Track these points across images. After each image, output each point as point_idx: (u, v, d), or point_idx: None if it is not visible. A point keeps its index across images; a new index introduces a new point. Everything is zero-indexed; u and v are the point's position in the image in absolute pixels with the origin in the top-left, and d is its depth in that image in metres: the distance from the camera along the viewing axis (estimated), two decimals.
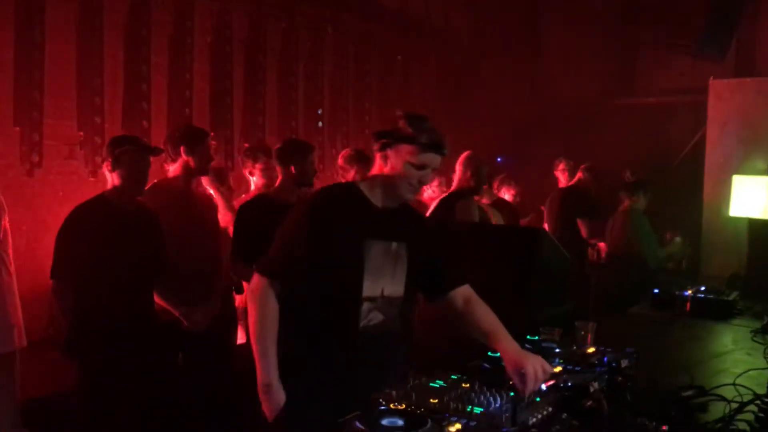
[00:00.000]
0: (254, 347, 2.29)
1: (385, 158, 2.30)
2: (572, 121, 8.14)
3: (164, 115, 5.14)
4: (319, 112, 6.47)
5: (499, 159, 8.74)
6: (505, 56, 8.72)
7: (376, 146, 2.33)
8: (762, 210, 4.79)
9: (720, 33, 6.19)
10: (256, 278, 2.31)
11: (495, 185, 6.55)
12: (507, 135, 8.29)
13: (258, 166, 4.79)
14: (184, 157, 3.69)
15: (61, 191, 4.66)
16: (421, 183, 2.33)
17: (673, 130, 5.44)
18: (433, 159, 2.29)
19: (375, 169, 2.38)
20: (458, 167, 4.69)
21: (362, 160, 4.57)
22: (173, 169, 3.77)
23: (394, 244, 2.37)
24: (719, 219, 5.17)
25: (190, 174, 3.76)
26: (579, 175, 6.12)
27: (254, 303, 2.31)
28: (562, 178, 6.60)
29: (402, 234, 2.41)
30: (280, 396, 2.28)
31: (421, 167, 2.27)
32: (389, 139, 2.28)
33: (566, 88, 8.71)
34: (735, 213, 4.96)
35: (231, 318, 4.31)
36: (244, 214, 3.78)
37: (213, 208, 4.08)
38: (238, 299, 4.44)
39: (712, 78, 5.41)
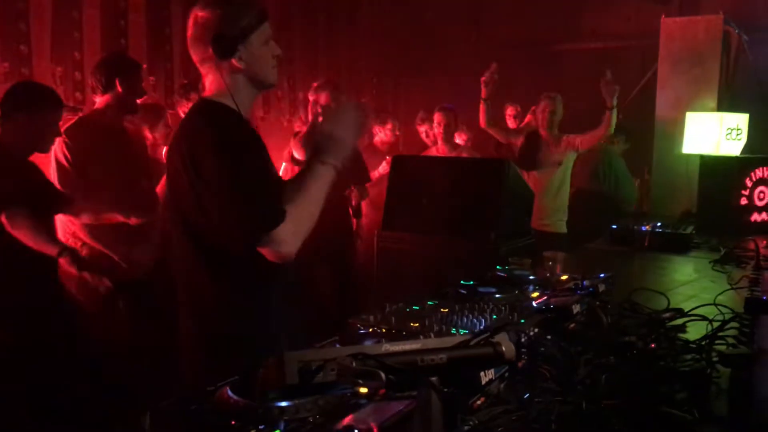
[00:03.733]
0: (316, 199, 2.01)
1: (240, 58, 2.00)
2: (518, 66, 8.06)
3: (97, 46, 4.77)
4: None
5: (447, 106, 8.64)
6: (448, 1, 8.54)
7: (218, 54, 1.99)
8: (714, 145, 4.84)
9: None
10: (278, 234, 1.92)
11: None
12: (454, 81, 8.17)
13: (191, 105, 4.54)
14: (118, 89, 3.43)
15: None
16: (276, 57, 2.09)
17: (620, 74, 5.40)
18: (269, 27, 2.08)
19: (225, 76, 2.03)
20: None
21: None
22: (101, 101, 3.50)
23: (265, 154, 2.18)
24: (670, 157, 5.19)
25: (121, 108, 3.50)
26: (529, 118, 6.06)
27: (297, 233, 1.96)
28: (512, 125, 6.56)
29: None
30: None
31: (268, 40, 2.06)
32: (234, 37, 1.98)
33: (511, 33, 8.61)
34: (688, 150, 4.99)
35: None
36: None
37: (144, 145, 3.85)
38: None
39: (663, 16, 5.39)
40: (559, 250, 2.86)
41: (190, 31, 2.05)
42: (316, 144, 2.08)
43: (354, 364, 0.86)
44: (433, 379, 0.91)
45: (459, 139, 6.43)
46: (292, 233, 1.94)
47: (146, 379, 3.41)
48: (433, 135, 5.52)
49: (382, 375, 0.85)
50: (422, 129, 5.96)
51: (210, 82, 2.09)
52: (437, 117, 5.28)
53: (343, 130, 2.07)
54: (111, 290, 3.51)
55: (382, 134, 5.88)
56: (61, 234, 3.43)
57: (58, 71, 4.56)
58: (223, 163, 1.92)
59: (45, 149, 3.17)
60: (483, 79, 4.97)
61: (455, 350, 0.98)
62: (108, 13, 4.88)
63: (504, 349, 1.04)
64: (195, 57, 2.08)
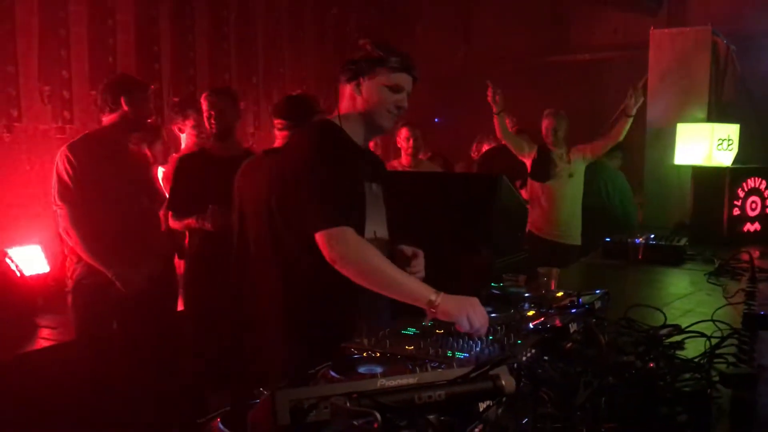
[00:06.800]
0: (394, 284, 1.99)
1: (358, 87, 2.17)
2: (507, 78, 8.08)
3: (85, 65, 4.74)
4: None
5: (437, 119, 8.64)
6: (438, 14, 8.57)
7: (345, 76, 2.20)
8: (705, 156, 4.84)
9: None
10: (337, 233, 1.99)
11: None
12: (443, 94, 8.18)
13: (188, 122, 4.54)
14: (123, 107, 3.43)
15: None
16: (399, 108, 2.20)
17: (609, 85, 5.40)
18: (407, 80, 2.20)
19: (346, 104, 2.22)
20: None
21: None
22: (107, 120, 3.52)
23: (374, 185, 2.28)
24: (662, 168, 5.20)
25: (126, 127, 3.51)
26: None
27: (359, 251, 2.00)
28: None
29: (376, 174, 2.32)
30: (455, 302, 1.93)
31: (397, 90, 2.17)
32: (361, 65, 2.16)
33: (500, 45, 8.64)
34: (680, 161, 4.99)
35: (172, 284, 4.08)
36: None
37: (148, 165, 3.83)
38: (180, 265, 4.22)
39: (652, 28, 5.41)
40: (570, 262, 2.82)
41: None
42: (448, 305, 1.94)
43: (348, 403, 0.83)
44: (431, 417, 0.88)
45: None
46: (346, 250, 1.99)
47: (140, 404, 3.36)
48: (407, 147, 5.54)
49: (378, 415, 0.81)
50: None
51: (340, 104, 2.25)
52: (404, 132, 5.29)
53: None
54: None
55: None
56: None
57: (46, 90, 4.54)
58: (311, 163, 2.08)
59: None
60: (488, 98, 5.04)
61: (453, 386, 0.95)
62: (96, 32, 4.86)
63: (504, 383, 1.01)
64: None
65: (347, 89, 2.21)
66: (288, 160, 2.18)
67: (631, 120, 4.85)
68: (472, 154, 6.62)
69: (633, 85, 4.84)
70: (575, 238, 5.16)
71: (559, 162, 5.12)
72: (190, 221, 3.73)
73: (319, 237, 2.00)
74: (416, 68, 2.23)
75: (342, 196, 2.07)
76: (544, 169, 5.13)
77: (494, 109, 5.08)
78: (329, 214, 2.01)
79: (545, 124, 5.17)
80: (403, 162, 5.31)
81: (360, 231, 2.11)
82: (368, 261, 2.00)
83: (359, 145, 2.24)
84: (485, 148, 6.39)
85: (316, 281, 2.13)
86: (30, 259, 4.39)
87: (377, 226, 2.26)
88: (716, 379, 1.70)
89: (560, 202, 5.12)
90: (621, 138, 4.95)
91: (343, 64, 2.21)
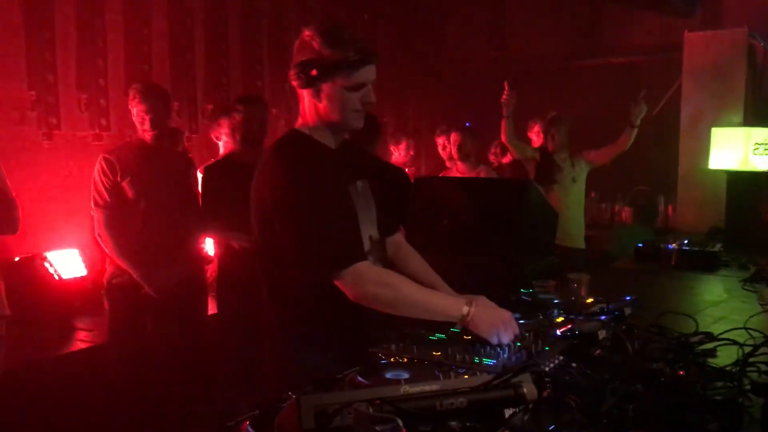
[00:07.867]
0: (423, 305, 1.94)
1: (317, 94, 1.95)
2: (539, 82, 8.02)
3: (122, 73, 4.85)
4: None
5: (467, 123, 8.61)
6: (468, 18, 8.55)
7: (298, 82, 1.94)
8: (740, 162, 4.77)
9: None
10: (352, 273, 1.89)
11: None
12: (473, 97, 8.15)
13: (224, 130, 4.58)
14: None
15: (14, 159, 4.37)
16: (367, 104, 1.99)
17: (643, 89, 5.34)
18: (370, 72, 1.96)
19: (309, 110, 2.01)
20: None
21: None
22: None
23: (359, 184, 2.12)
24: (696, 172, 5.13)
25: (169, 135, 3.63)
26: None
27: (380, 284, 1.92)
28: (537, 141, 6.47)
29: (360, 171, 2.16)
30: (486, 318, 1.89)
31: (360, 87, 1.96)
32: (316, 70, 1.90)
33: (532, 47, 8.59)
34: (714, 166, 4.92)
35: (202, 287, 4.15)
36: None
37: (188, 170, 3.88)
38: (209, 269, 4.29)
39: (687, 31, 5.34)
40: (578, 265, 2.81)
41: (294, 48, 1.99)
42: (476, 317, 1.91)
43: (371, 410, 0.84)
44: (453, 423, 0.89)
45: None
46: (366, 289, 1.91)
47: (169, 405, 3.41)
48: (449, 151, 5.53)
49: (400, 422, 0.83)
50: (440, 141, 5.95)
51: (301, 108, 2.04)
52: (453, 137, 5.28)
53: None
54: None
55: (396, 154, 5.91)
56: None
57: (83, 98, 4.65)
58: (295, 198, 1.91)
59: None
60: (502, 100, 5.01)
61: (475, 393, 0.96)
62: (132, 40, 4.96)
63: (525, 390, 1.02)
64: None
65: (304, 93, 1.99)
66: (265, 188, 1.99)
67: (635, 130, 4.86)
68: (490, 157, 6.57)
69: (635, 97, 4.82)
70: (579, 241, 5.20)
71: (564, 166, 5.14)
72: (219, 237, 3.81)
73: (337, 282, 1.90)
74: (376, 51, 1.98)
75: (340, 229, 1.93)
76: (548, 173, 5.14)
77: (504, 112, 5.07)
78: (336, 256, 1.90)
79: (545, 127, 5.20)
80: (460, 168, 5.29)
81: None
82: (394, 290, 1.93)
83: (333, 148, 2.07)
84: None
85: (303, 295, 2.04)
86: (68, 263, 4.50)
87: (370, 228, 2.13)
88: (748, 387, 1.68)
89: (564, 207, 5.07)
90: (627, 147, 4.96)
91: (291, 66, 1.95)
